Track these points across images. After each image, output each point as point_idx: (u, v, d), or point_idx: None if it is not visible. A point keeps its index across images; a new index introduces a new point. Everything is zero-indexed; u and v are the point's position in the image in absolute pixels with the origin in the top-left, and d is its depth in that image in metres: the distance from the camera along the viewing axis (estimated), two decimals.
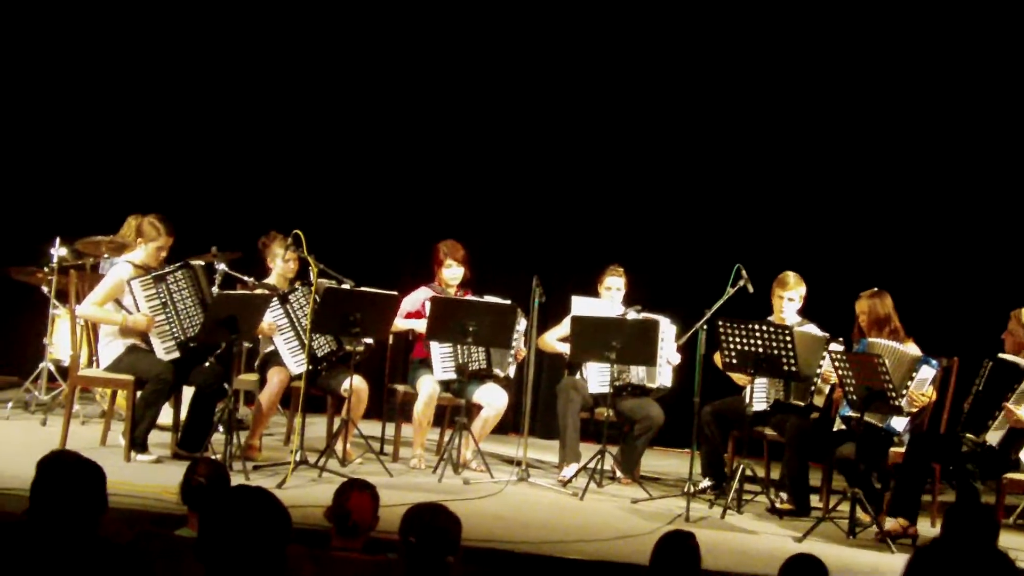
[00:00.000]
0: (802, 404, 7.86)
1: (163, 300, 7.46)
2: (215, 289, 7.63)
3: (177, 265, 7.59)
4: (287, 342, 7.91)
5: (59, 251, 8.77)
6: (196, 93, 10.50)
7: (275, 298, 7.82)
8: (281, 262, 8.12)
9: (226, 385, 7.52)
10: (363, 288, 7.70)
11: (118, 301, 7.51)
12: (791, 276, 8.04)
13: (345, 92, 10.50)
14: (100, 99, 10.44)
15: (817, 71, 10.02)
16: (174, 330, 7.49)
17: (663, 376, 8.25)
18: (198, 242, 8.30)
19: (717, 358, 7.78)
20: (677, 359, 8.31)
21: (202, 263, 7.75)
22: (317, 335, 7.81)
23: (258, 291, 7.84)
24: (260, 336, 7.99)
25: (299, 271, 8.19)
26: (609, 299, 8.30)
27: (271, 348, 8.01)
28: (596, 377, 8.22)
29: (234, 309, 7.22)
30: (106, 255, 8.75)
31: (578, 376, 8.29)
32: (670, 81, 10.24)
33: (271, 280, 8.19)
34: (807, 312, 8.14)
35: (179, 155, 10.48)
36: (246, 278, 8.00)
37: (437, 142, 10.49)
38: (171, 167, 10.41)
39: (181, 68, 10.46)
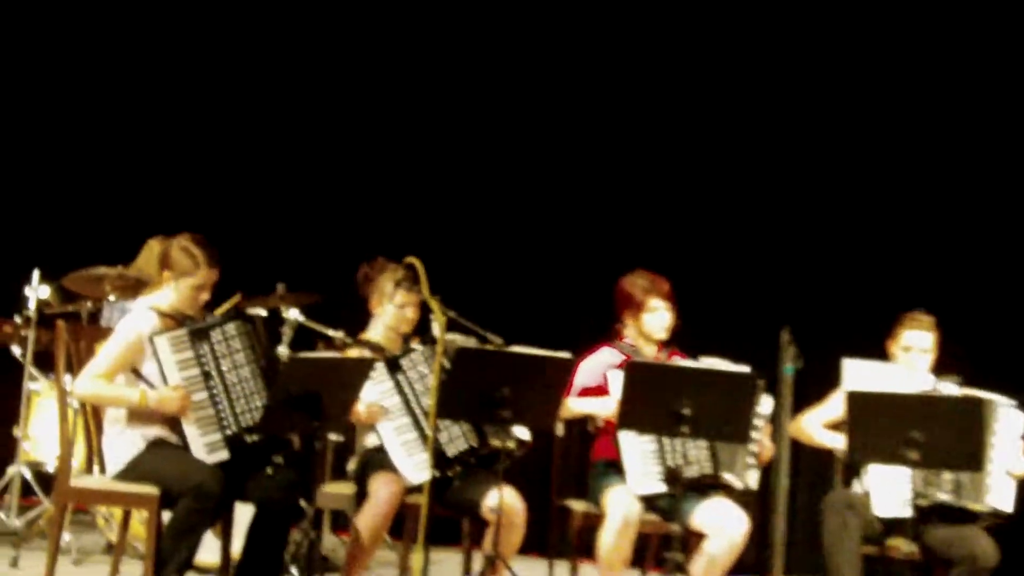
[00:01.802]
0: None
1: (205, 369, 7.02)
2: (284, 350, 7.50)
3: (227, 314, 7.27)
4: (399, 433, 7.50)
5: (38, 291, 8.51)
6: (248, 68, 10.69)
7: (380, 364, 7.47)
8: (394, 308, 7.72)
9: (303, 503, 7.13)
10: (518, 349, 7.31)
11: (135, 370, 7.08)
12: None
13: (486, 70, 10.66)
14: (102, 84, 10.57)
15: None
16: (222, 415, 7.06)
17: (997, 492, 7.68)
18: (256, 278, 8.34)
19: None
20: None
21: (264, 312, 7.42)
22: (446, 423, 7.44)
23: (354, 353, 7.55)
24: (357, 424, 7.60)
25: (419, 322, 7.89)
26: (908, 364, 7.84)
27: (374, 443, 7.60)
28: (887, 490, 7.68)
29: (315, 382, 6.88)
30: (112, 297, 8.47)
31: (857, 487, 7.78)
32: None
33: (374, 335, 7.78)
34: None
35: (221, 152, 10.46)
36: (333, 332, 7.69)
37: (619, 135, 10.48)
38: (209, 168, 10.40)
39: (222, 42, 10.78)
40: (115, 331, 7.25)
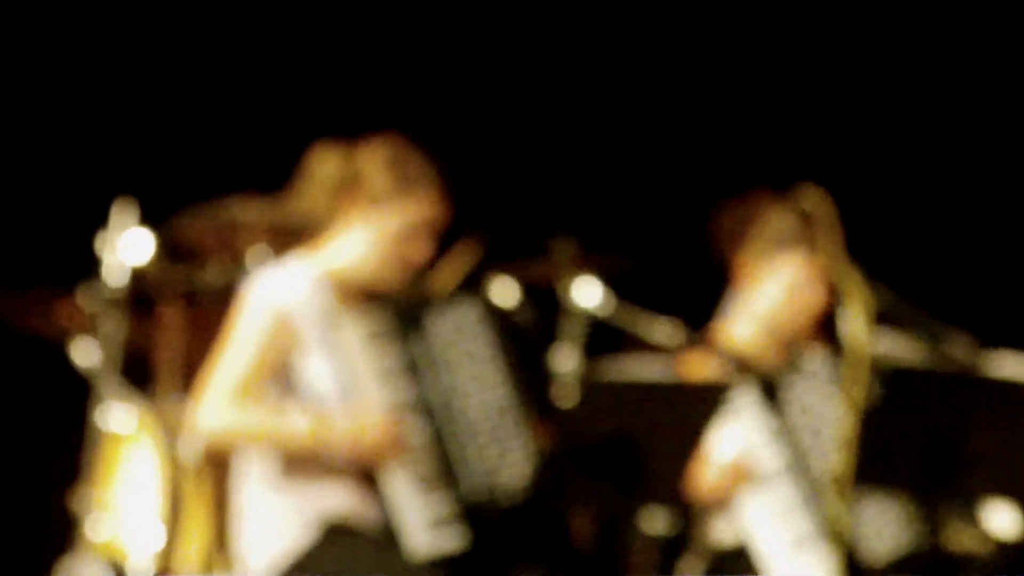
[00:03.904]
0: None
1: (421, 383, 5.92)
2: (567, 360, 6.58)
3: (458, 290, 6.44)
4: (784, 518, 6.30)
5: (128, 247, 6.88)
6: None
7: (749, 388, 6.28)
8: (777, 284, 6.52)
9: None
10: (999, 365, 6.25)
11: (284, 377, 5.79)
12: None
13: None
14: None
15: None
16: (454, 467, 6.07)
17: None
18: (517, 229, 7.64)
19: None
20: None
21: (521, 289, 6.52)
22: (869, 500, 6.22)
23: (697, 369, 6.49)
24: (700, 501, 6.40)
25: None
26: None
27: (731, 538, 6.41)
28: None
29: (625, 421, 6.12)
30: (256, 258, 6.87)
31: None
32: None
33: (738, 333, 6.52)
34: None
35: (456, 31, 9.06)
36: (656, 326, 6.59)
37: None
38: (434, 50, 8.98)
39: None
40: (241, 309, 5.82)
